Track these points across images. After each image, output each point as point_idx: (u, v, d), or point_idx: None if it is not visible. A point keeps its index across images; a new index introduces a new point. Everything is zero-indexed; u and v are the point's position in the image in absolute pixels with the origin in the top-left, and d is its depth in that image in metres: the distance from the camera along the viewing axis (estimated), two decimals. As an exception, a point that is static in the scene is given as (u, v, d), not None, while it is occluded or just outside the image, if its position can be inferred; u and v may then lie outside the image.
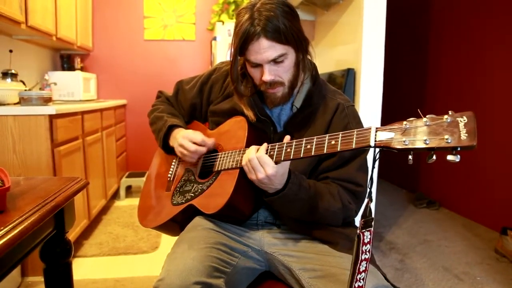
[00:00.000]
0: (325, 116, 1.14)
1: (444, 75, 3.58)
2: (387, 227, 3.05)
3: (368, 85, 2.25)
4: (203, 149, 1.20)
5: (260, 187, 1.00)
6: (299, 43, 1.05)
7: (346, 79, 2.29)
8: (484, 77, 3.07)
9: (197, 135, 1.20)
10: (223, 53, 3.26)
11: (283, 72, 1.06)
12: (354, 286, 0.77)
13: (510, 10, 2.80)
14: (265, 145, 0.98)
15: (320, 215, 1.06)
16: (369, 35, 2.22)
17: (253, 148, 0.99)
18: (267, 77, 1.04)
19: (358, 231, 0.76)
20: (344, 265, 0.97)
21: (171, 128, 1.28)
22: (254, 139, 1.12)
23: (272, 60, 1.02)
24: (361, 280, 0.79)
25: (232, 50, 1.08)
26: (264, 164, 0.95)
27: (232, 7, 3.85)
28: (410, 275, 2.27)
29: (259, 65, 1.05)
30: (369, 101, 2.27)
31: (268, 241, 1.13)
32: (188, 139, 1.20)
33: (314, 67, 1.18)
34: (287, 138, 0.97)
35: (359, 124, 1.15)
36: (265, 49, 1.00)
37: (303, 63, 1.10)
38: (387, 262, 2.44)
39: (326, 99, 1.16)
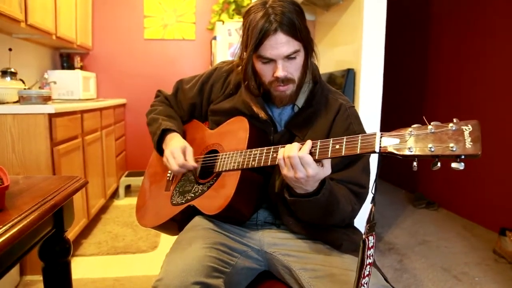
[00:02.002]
0: (327, 116, 1.13)
1: (445, 76, 3.59)
2: (386, 228, 3.05)
3: (368, 86, 2.25)
4: (183, 170, 1.20)
5: (291, 184, 0.96)
6: (308, 42, 1.06)
7: (346, 80, 2.29)
8: (484, 76, 3.07)
9: (180, 158, 1.18)
10: (223, 52, 3.26)
11: (295, 70, 1.06)
12: None
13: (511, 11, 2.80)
14: (309, 142, 0.91)
15: (332, 218, 1.04)
16: (369, 36, 2.22)
17: (294, 145, 0.94)
18: (280, 73, 1.03)
19: (363, 236, 0.76)
20: (345, 266, 0.97)
21: (165, 132, 1.28)
22: (255, 139, 1.12)
23: (286, 56, 1.02)
24: (365, 285, 0.79)
25: (244, 48, 1.08)
26: (306, 164, 0.89)
27: (232, 6, 3.85)
28: (409, 275, 2.27)
29: (271, 62, 1.05)
30: (369, 102, 2.27)
31: (268, 241, 1.13)
32: (172, 157, 1.19)
33: (316, 68, 1.18)
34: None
35: (360, 125, 1.15)
36: (282, 43, 1.00)
37: (309, 63, 1.11)
38: (386, 262, 2.44)
39: (328, 99, 1.16)
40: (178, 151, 1.19)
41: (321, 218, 1.04)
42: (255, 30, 1.01)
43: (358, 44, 2.27)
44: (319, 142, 0.87)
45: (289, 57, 1.03)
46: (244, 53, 1.10)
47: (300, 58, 1.05)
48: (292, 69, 1.05)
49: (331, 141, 0.85)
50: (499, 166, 2.91)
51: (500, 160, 2.89)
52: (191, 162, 1.18)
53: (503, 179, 2.89)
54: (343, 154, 0.82)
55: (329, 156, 0.84)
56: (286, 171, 0.92)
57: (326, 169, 0.91)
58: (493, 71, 2.99)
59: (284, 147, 0.94)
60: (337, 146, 0.83)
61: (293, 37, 1.01)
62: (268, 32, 0.99)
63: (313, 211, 1.02)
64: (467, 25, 3.27)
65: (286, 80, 1.06)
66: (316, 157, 0.87)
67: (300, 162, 0.89)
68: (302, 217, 1.08)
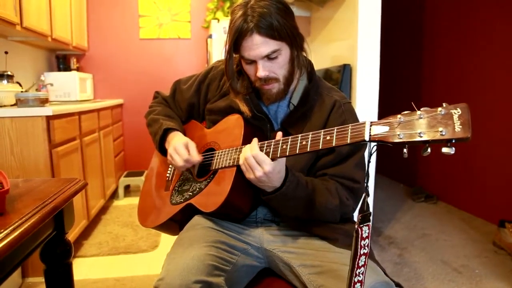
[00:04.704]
0: (322, 113, 1.14)
1: (441, 69, 3.59)
2: (385, 222, 3.07)
3: (364, 81, 2.25)
4: (188, 165, 1.20)
5: (258, 185, 1.01)
6: (293, 39, 1.06)
7: (342, 75, 2.29)
8: (480, 70, 3.08)
9: (184, 153, 1.18)
10: (219, 51, 3.26)
11: (278, 68, 1.06)
12: (354, 280, 0.78)
13: (505, 2, 2.80)
14: (255, 140, 0.98)
15: (317, 212, 1.06)
16: (364, 31, 2.22)
17: (248, 146, 1.00)
18: (261, 73, 1.04)
19: (356, 226, 0.77)
20: (344, 261, 0.97)
21: (167, 131, 1.28)
22: (250, 136, 1.12)
23: (265, 56, 1.03)
24: (361, 275, 0.79)
25: (227, 47, 1.09)
26: (261, 162, 0.95)
27: (227, 4, 3.84)
28: (409, 269, 2.28)
29: (253, 62, 1.06)
30: (365, 97, 2.27)
31: (267, 238, 1.14)
32: (176, 153, 1.19)
33: (310, 64, 1.18)
34: (279, 134, 0.97)
35: (356, 121, 1.16)
36: (258, 45, 1.01)
37: (298, 60, 1.11)
38: (386, 256, 2.45)
39: (323, 96, 1.17)
40: (181, 146, 1.19)
41: (304, 211, 1.06)
42: (233, 30, 1.02)
43: (354, 39, 2.27)
44: (310, 134, 0.88)
45: (269, 57, 1.03)
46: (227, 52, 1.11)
47: (282, 57, 1.05)
48: (274, 68, 1.06)
49: (322, 132, 0.86)
50: (498, 158, 2.92)
51: (499, 152, 2.90)
52: (195, 156, 1.19)
53: (501, 171, 2.90)
54: (333, 145, 0.82)
55: (320, 147, 0.85)
56: (247, 174, 0.98)
57: (281, 161, 0.96)
58: (488, 64, 2.99)
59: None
60: (328, 137, 0.84)
61: (271, 37, 1.01)
62: (244, 33, 1.01)
63: (290, 205, 1.05)
64: (462, 18, 3.27)
65: (268, 79, 1.07)
66: (308, 149, 0.87)
67: (255, 161, 0.95)
68: (286, 213, 1.10)
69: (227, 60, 1.12)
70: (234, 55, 1.11)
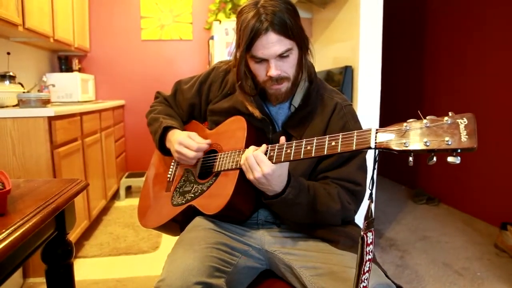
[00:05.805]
0: (323, 115, 1.14)
1: (443, 72, 3.59)
2: (386, 224, 3.06)
3: (366, 83, 2.25)
4: (200, 154, 1.20)
5: (259, 188, 1.01)
6: (301, 40, 1.06)
7: (344, 77, 2.29)
8: (482, 74, 3.07)
9: (192, 143, 1.18)
10: (220, 52, 3.26)
11: (289, 68, 1.07)
12: (360, 287, 0.78)
13: (508, 7, 2.80)
14: (264, 146, 0.98)
15: (319, 217, 1.06)
16: (366, 32, 2.22)
17: (251, 147, 1.00)
18: (273, 72, 1.04)
19: (362, 233, 0.76)
20: (345, 263, 0.97)
21: (166, 130, 1.28)
22: (253, 139, 1.12)
23: (278, 55, 1.03)
24: (365, 281, 0.79)
25: (237, 47, 1.09)
26: (260, 162, 0.95)
27: (229, 6, 3.85)
28: (410, 271, 2.28)
29: (264, 61, 1.05)
30: (367, 99, 2.27)
31: (268, 240, 1.14)
32: (184, 146, 1.19)
33: (312, 66, 1.18)
34: (282, 139, 0.97)
35: (357, 123, 1.16)
36: (273, 43, 1.01)
37: (305, 61, 1.11)
38: (387, 258, 2.44)
39: (324, 99, 1.17)
40: (186, 139, 1.20)
41: (306, 216, 1.06)
42: (246, 30, 1.02)
43: (355, 41, 2.27)
44: (315, 139, 0.88)
45: (281, 56, 1.03)
46: (238, 53, 1.11)
47: (293, 56, 1.06)
48: (285, 67, 1.06)
49: (327, 138, 0.85)
50: (500, 161, 2.92)
51: (501, 154, 2.90)
52: (203, 142, 1.20)
53: (503, 173, 2.89)
54: (339, 151, 0.82)
55: (325, 153, 0.85)
56: (247, 174, 0.99)
57: (283, 165, 0.96)
58: (490, 67, 2.99)
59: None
60: (333, 143, 0.84)
61: (285, 36, 1.01)
62: (259, 32, 1.00)
63: (291, 210, 1.05)
64: (464, 19, 3.27)
65: (280, 79, 1.06)
66: (313, 155, 0.87)
67: (255, 161, 0.95)
68: (288, 218, 1.10)
69: (240, 61, 1.11)
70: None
